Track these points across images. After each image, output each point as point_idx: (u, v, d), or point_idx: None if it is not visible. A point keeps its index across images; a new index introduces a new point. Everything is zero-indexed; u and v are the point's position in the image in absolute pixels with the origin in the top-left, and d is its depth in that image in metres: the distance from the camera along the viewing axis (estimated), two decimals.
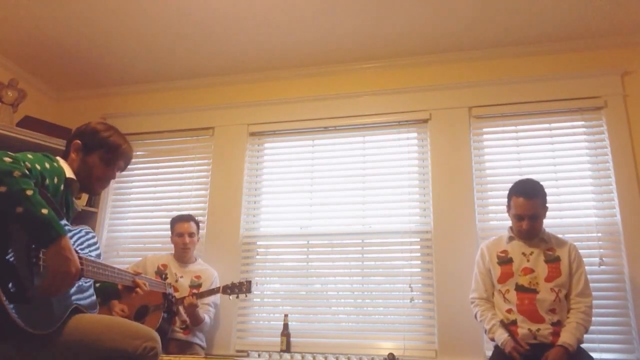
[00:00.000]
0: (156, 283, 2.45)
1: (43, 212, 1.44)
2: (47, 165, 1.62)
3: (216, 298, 3.22)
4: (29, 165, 1.51)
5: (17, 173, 1.43)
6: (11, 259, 1.43)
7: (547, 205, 2.64)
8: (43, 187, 1.57)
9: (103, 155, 1.85)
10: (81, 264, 1.68)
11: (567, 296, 2.55)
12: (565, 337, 2.41)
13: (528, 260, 2.60)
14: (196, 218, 3.37)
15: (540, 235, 2.65)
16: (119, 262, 3.62)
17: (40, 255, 1.52)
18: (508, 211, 2.70)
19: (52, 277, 1.47)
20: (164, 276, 3.16)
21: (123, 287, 2.02)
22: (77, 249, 1.72)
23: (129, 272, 2.03)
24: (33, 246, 1.51)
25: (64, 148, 1.91)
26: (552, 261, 2.58)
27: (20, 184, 1.42)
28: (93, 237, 1.88)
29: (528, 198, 2.56)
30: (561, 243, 2.65)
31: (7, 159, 1.44)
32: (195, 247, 3.31)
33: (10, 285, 1.41)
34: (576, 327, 2.44)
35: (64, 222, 1.67)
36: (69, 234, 1.63)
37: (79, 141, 1.84)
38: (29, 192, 1.43)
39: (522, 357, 2.40)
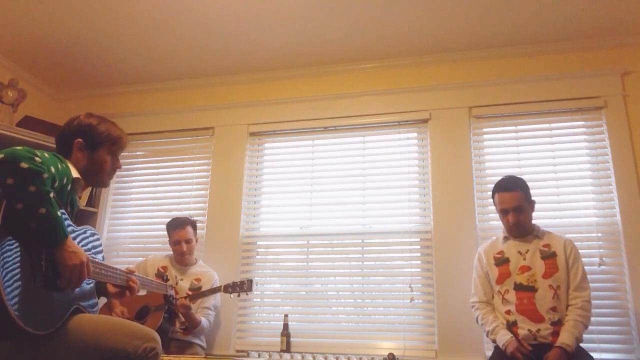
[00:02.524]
0: (157, 285, 2.44)
1: (59, 215, 1.49)
2: (60, 167, 1.63)
3: (217, 301, 3.22)
4: (46, 167, 1.52)
5: (45, 175, 1.46)
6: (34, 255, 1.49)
7: (534, 199, 2.70)
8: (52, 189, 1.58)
9: (110, 148, 1.87)
10: None
11: (569, 292, 2.55)
12: (564, 338, 2.40)
13: (524, 259, 2.61)
14: (192, 219, 3.32)
15: (534, 233, 2.67)
16: (119, 262, 3.62)
17: (42, 251, 1.54)
18: (497, 212, 2.74)
19: (69, 273, 1.52)
20: (165, 277, 3.15)
21: (117, 287, 1.99)
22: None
23: (124, 271, 2.00)
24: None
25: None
26: (548, 257, 2.58)
27: (47, 186, 1.46)
28: (97, 238, 1.89)
29: (508, 190, 2.65)
30: (556, 239, 2.65)
31: (38, 159, 1.46)
32: (194, 250, 3.29)
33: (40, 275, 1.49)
34: (574, 325, 2.43)
35: (68, 222, 1.69)
36: (73, 234, 1.64)
37: (81, 139, 1.82)
38: (52, 195, 1.48)
39: (525, 358, 2.39)
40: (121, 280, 1.93)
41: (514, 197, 2.63)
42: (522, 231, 2.66)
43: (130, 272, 2.00)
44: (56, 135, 1.87)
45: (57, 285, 1.55)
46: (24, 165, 1.41)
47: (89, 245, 1.80)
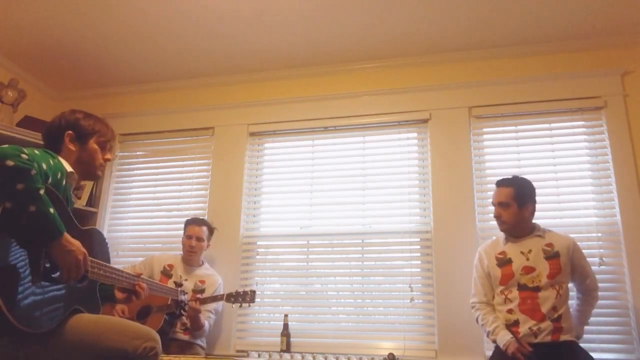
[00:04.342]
0: (168, 289, 2.43)
1: (51, 211, 1.47)
2: (51, 162, 1.63)
3: (218, 305, 3.21)
4: (36, 164, 1.51)
5: (33, 172, 1.46)
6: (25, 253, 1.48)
7: (532, 203, 2.68)
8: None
9: (98, 139, 1.90)
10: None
11: (579, 287, 2.67)
12: (579, 331, 2.61)
13: (527, 259, 2.60)
14: (213, 225, 3.33)
15: (534, 232, 2.67)
16: (119, 262, 3.63)
17: (43, 249, 1.53)
18: None
19: (66, 271, 1.53)
20: (179, 283, 3.13)
21: (123, 290, 1.99)
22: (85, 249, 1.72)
23: (133, 275, 2.00)
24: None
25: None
26: (552, 257, 2.58)
27: (36, 183, 1.45)
28: (103, 239, 1.89)
29: (499, 185, 2.73)
30: (559, 238, 2.65)
31: (25, 156, 1.46)
32: (202, 252, 3.29)
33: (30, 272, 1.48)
34: (585, 315, 2.67)
35: (75, 224, 1.69)
36: (77, 233, 1.64)
37: (71, 132, 1.85)
38: (42, 191, 1.46)
39: (526, 358, 2.39)
40: (127, 284, 1.93)
41: (502, 192, 2.68)
42: (506, 229, 2.68)
43: (138, 275, 2.00)
44: (43, 134, 1.88)
45: (52, 279, 1.55)
46: (10, 163, 1.41)
47: (95, 246, 1.80)
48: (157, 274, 3.20)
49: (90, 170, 1.90)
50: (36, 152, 1.59)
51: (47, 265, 1.55)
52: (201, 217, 3.37)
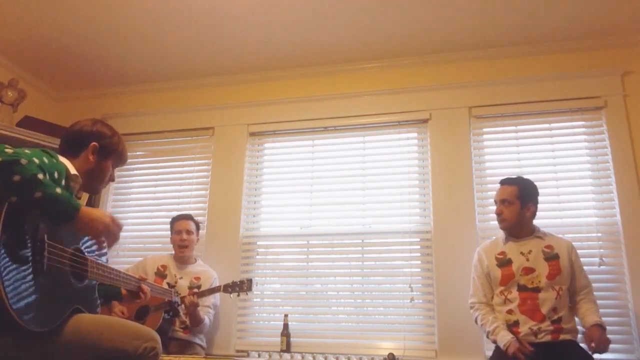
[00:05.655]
0: (162, 290, 2.44)
1: (58, 192, 1.47)
2: (46, 160, 1.62)
3: (216, 300, 3.22)
4: (23, 155, 1.51)
5: (23, 161, 1.45)
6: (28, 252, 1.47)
7: (534, 205, 2.68)
8: None
9: (115, 161, 1.92)
10: (86, 265, 1.68)
11: (573, 291, 2.61)
12: (595, 317, 2.50)
13: (527, 260, 2.60)
14: (196, 219, 3.36)
15: (534, 233, 2.67)
16: (119, 262, 3.63)
17: (45, 249, 1.52)
18: None
19: (97, 239, 1.60)
20: (172, 284, 3.14)
21: (127, 291, 2.02)
22: (86, 250, 1.73)
23: (134, 277, 2.02)
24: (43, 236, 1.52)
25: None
26: (552, 259, 2.59)
27: (31, 170, 1.44)
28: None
29: (503, 184, 2.75)
30: (558, 240, 2.66)
31: (9, 150, 1.45)
32: (193, 246, 3.30)
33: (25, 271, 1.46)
34: (595, 308, 2.56)
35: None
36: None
37: (96, 144, 1.85)
38: (41, 176, 1.46)
39: (527, 358, 2.39)
40: (127, 285, 1.94)
41: (505, 190, 2.70)
42: (506, 227, 2.69)
43: (142, 279, 2.01)
44: (69, 132, 1.87)
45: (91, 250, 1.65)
46: None
47: (94, 246, 1.80)
48: (150, 276, 3.19)
49: (95, 186, 1.91)
50: (26, 150, 1.58)
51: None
52: (185, 213, 3.40)
